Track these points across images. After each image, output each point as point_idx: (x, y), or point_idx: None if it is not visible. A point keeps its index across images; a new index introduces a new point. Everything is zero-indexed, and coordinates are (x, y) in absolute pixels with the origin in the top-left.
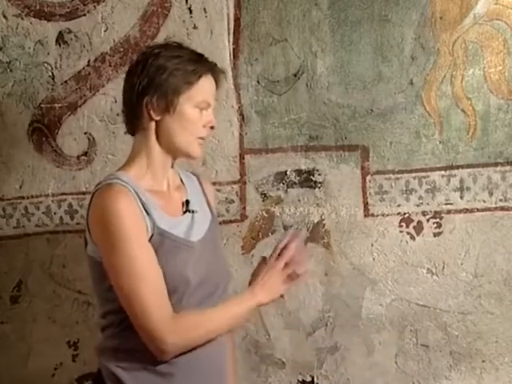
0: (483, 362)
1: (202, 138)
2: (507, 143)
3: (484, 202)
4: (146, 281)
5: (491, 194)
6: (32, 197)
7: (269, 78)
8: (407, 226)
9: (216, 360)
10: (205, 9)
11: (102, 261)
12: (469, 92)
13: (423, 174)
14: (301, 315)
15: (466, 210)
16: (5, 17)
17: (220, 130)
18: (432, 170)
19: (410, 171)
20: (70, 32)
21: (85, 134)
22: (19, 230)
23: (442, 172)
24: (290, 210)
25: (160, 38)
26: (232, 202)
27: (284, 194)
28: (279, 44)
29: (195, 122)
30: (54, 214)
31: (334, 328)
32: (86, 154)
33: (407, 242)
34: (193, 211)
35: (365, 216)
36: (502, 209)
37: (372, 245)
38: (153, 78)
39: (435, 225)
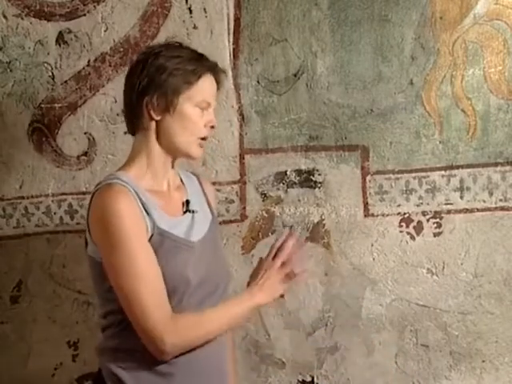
0: (483, 362)
1: (203, 139)
2: (507, 143)
3: (484, 202)
4: (146, 281)
5: (491, 194)
6: (32, 197)
7: (269, 78)
8: (407, 226)
9: (216, 360)
10: (205, 9)
11: (102, 261)
12: (469, 92)
13: (423, 173)
14: (301, 315)
15: (466, 210)
16: (5, 17)
17: (220, 130)
18: (432, 169)
19: (410, 171)
20: (70, 32)
21: (85, 134)
22: (19, 230)
23: (442, 172)
24: (289, 210)
25: (160, 38)
26: (232, 202)
27: (284, 194)
28: (279, 44)
29: (196, 121)
30: (54, 214)
31: (334, 328)
32: (86, 154)
33: (407, 242)
34: (193, 211)
35: (365, 216)
36: (502, 209)
37: (372, 245)
38: (153, 78)
39: (435, 225)
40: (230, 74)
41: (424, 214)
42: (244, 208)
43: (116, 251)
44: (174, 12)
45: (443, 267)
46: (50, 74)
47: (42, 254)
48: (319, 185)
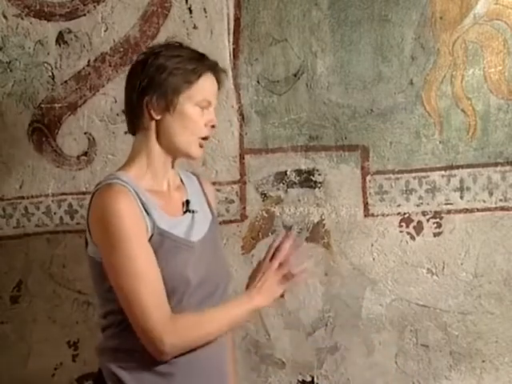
0: (483, 362)
1: (204, 139)
2: (507, 143)
3: (484, 202)
4: (146, 281)
5: (491, 194)
6: (32, 197)
7: (269, 78)
8: (407, 226)
9: (216, 360)
10: (205, 9)
11: (102, 261)
12: (469, 92)
13: (423, 173)
14: (301, 315)
15: (466, 210)
16: (5, 17)
17: (220, 130)
18: (432, 169)
19: (410, 171)
20: (70, 32)
21: (85, 134)
22: (19, 230)
23: (442, 172)
24: (290, 210)
25: (160, 38)
26: (232, 201)
27: (284, 193)
28: (279, 44)
29: (196, 121)
30: (54, 214)
31: (334, 328)
32: (86, 154)
33: (407, 242)
34: (193, 211)
35: (365, 216)
36: (502, 209)
37: (372, 245)
38: (153, 78)
39: (435, 225)
40: (230, 74)
41: (424, 213)
42: (244, 208)
43: (116, 251)
44: (174, 12)
45: (443, 267)
46: (50, 74)
47: (42, 254)
48: (319, 185)
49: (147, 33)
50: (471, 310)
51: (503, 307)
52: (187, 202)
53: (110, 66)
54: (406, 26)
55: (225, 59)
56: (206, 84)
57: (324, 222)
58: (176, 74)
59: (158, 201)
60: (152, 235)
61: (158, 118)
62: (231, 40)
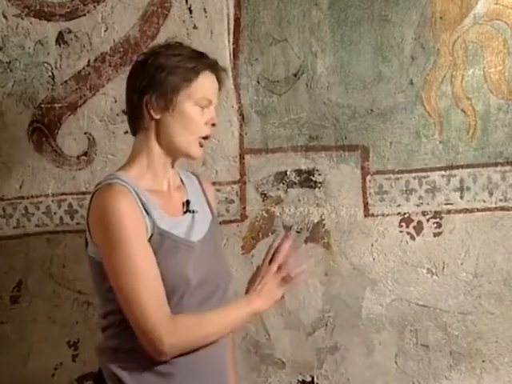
0: (483, 362)
1: (205, 138)
2: (507, 143)
3: (484, 202)
4: (145, 281)
5: (491, 194)
6: (32, 197)
7: (269, 78)
8: (407, 226)
9: (216, 360)
10: (205, 9)
11: (102, 261)
12: (469, 92)
13: (423, 173)
14: (301, 315)
15: (466, 210)
16: (5, 17)
17: (220, 130)
18: (432, 169)
19: (410, 171)
20: (70, 32)
21: (85, 134)
22: (19, 230)
23: (442, 172)
24: (290, 210)
25: (160, 38)
26: (232, 202)
27: (284, 194)
28: (279, 44)
29: (196, 120)
30: (54, 214)
31: (334, 328)
32: (86, 154)
33: (407, 242)
34: (193, 211)
35: (365, 216)
36: (502, 209)
37: (372, 245)
38: (153, 77)
39: (435, 225)
40: (230, 73)
41: (424, 214)
42: (244, 208)
43: (116, 251)
44: (174, 12)
45: (443, 267)
46: (50, 74)
47: (42, 254)
48: (319, 185)
49: (147, 33)
50: (471, 310)
51: (503, 307)
52: (187, 202)
53: (110, 65)
54: (406, 26)
55: (225, 59)
56: (205, 82)
57: (324, 222)
58: (175, 72)
59: (158, 201)
60: (152, 235)
61: (158, 117)
62: (231, 40)
